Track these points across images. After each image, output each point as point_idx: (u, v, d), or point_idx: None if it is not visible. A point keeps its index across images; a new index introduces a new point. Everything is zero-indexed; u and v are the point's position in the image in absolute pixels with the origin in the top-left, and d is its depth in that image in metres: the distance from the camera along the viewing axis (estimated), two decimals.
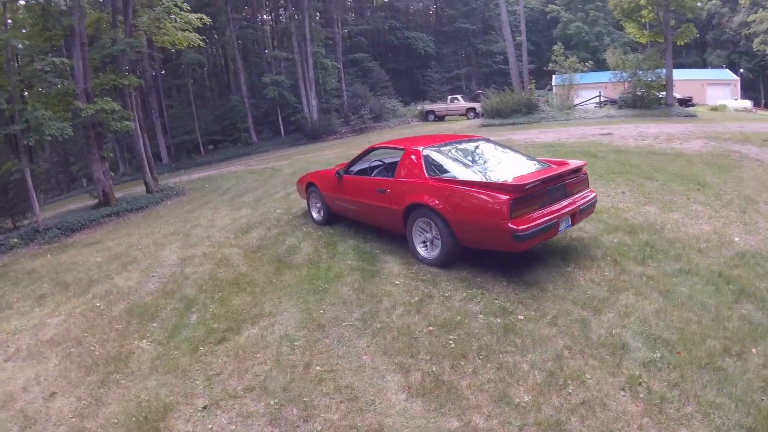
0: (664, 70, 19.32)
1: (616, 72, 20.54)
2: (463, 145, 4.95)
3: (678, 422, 2.47)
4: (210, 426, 2.73)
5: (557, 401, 2.67)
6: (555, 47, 23.77)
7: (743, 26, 39.17)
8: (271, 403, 2.85)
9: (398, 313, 3.72)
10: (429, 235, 4.44)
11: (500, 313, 3.55)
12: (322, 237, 5.71)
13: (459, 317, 3.54)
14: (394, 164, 5.63)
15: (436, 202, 4.18)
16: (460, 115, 27.38)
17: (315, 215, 6.30)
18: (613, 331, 3.25)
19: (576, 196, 4.32)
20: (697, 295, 3.67)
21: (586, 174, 4.60)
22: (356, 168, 5.63)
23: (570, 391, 2.73)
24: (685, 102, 23.02)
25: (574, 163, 4.47)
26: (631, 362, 2.94)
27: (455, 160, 4.54)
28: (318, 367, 3.14)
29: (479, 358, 3.07)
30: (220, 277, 4.86)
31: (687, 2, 18.71)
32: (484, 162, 4.64)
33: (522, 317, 3.49)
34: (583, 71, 23.12)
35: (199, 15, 12.32)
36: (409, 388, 2.88)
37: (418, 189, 4.38)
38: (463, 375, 2.94)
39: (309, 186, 6.31)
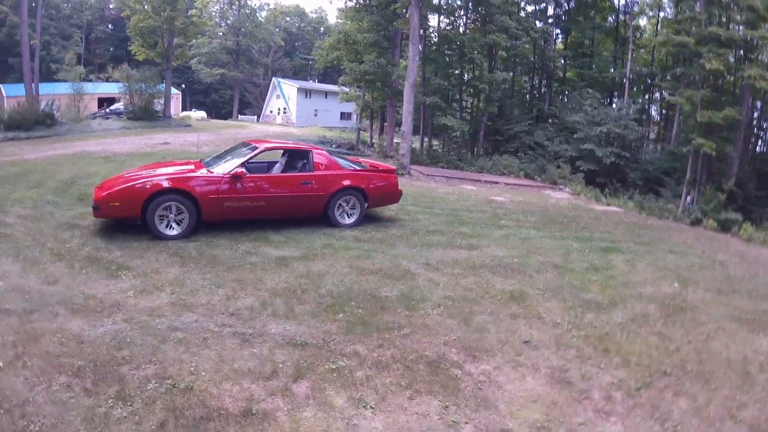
0: (163, 86, 22.52)
1: (124, 84, 21.37)
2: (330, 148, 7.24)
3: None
4: None
5: None
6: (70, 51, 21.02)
7: (177, 47, 48.12)
8: None
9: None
10: (346, 208, 6.72)
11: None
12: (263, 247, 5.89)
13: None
14: (294, 161, 6.84)
15: (361, 184, 6.70)
16: None
17: (167, 231, 5.53)
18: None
19: None
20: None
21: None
22: (244, 168, 5.98)
23: None
24: None
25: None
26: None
27: (342, 157, 6.98)
28: None
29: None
30: None
31: (190, 32, 22.90)
32: (348, 159, 7.34)
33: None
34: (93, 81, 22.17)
35: None
36: None
37: (343, 177, 6.60)
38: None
39: (155, 196, 5.41)
